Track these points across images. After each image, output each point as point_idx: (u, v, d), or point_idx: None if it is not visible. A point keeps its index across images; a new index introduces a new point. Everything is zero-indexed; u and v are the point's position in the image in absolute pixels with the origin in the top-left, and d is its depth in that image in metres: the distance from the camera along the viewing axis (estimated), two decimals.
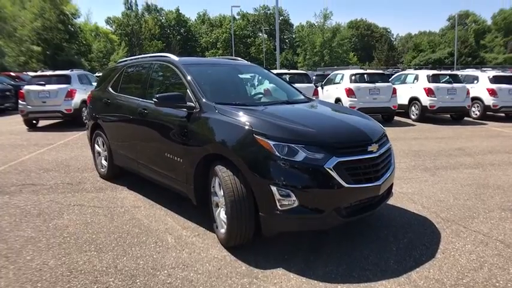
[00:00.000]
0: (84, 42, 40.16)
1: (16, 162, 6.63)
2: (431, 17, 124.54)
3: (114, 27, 51.36)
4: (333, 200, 3.04)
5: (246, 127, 3.16)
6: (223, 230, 3.31)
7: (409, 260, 3.17)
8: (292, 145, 2.99)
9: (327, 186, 2.97)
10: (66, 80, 10.91)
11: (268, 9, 76.91)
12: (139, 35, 50.51)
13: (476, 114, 12.75)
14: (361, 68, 25.74)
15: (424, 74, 12.62)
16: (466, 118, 12.82)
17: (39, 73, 11.33)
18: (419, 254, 3.27)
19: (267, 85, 4.79)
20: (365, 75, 12.35)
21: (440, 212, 4.29)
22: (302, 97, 4.54)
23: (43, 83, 10.50)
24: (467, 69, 17.82)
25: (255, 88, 4.77)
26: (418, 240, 3.56)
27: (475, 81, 12.84)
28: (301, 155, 2.97)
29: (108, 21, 51.98)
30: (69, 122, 11.26)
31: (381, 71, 15.34)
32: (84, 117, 11.23)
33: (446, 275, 2.93)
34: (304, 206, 2.95)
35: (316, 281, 2.83)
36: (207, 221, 3.74)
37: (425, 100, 11.91)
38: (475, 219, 4.07)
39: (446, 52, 57.56)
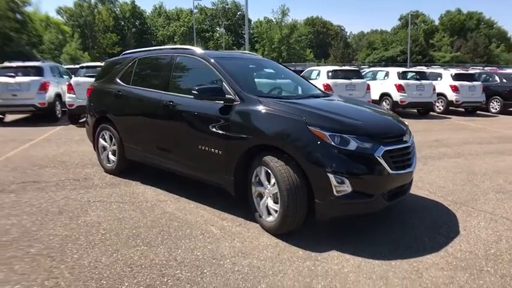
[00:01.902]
0: (35, 32, 37.49)
1: (2, 159, 6.19)
2: (383, 16, 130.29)
3: (65, 17, 48.42)
4: (381, 185, 3.28)
5: (300, 119, 3.28)
6: (271, 218, 3.40)
7: (440, 237, 3.50)
8: (345, 135, 3.17)
9: (376, 172, 3.21)
10: (38, 72, 10.23)
11: (227, 4, 76.48)
12: (92, 27, 48.03)
13: (440, 109, 13.68)
14: (317, 65, 26.40)
15: (394, 71, 13.31)
16: (431, 112, 13.72)
17: (6, 64, 10.51)
18: (446, 232, 3.62)
19: (285, 80, 4.87)
20: (341, 72, 12.78)
21: (446, 196, 4.67)
22: (321, 92, 4.70)
23: (13, 74, 9.78)
24: (432, 67, 18.96)
25: (275, 81, 4.83)
26: (439, 220, 3.91)
27: (439, 78, 13.75)
28: (353, 145, 3.16)
29: (59, 11, 48.97)
30: (39, 116, 10.60)
31: (355, 68, 15.90)
32: (57, 112, 10.64)
33: (475, 247, 3.30)
34: (356, 191, 3.14)
35: (371, 259, 3.03)
36: (243, 211, 3.81)
37: (396, 96, 12.59)
38: (478, 201, 4.50)
39: (398, 50, 60.63)
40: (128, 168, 5.19)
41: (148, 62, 4.98)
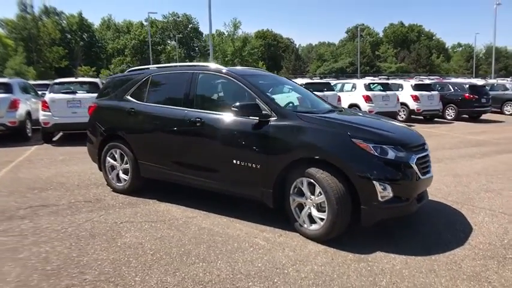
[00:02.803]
0: None
1: None
2: (330, 29, 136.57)
3: (6, 30, 45.32)
4: (415, 189, 3.63)
5: (344, 132, 3.56)
6: (315, 226, 3.59)
7: (458, 232, 3.93)
8: (384, 146, 3.49)
9: (412, 178, 3.55)
10: (7, 88, 9.58)
11: (178, 17, 76.03)
12: (37, 40, 45.41)
13: (403, 118, 14.66)
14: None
15: (361, 83, 14.12)
16: None
17: None
18: (461, 228, 4.05)
19: (298, 94, 5.09)
20: (312, 85, 13.30)
21: (446, 197, 5.13)
22: (332, 105, 5.01)
23: None
24: (394, 78, 20.17)
25: (289, 95, 5.03)
26: (451, 218, 4.35)
27: (400, 89, 14.78)
28: (391, 154, 3.48)
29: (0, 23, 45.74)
30: (6, 136, 9.90)
31: (325, 81, 16.58)
32: (28, 131, 10.03)
33: (491, 239, 3.75)
34: (396, 196, 3.44)
35: (413, 256, 3.35)
36: (276, 222, 3.98)
37: (365, 106, 13.33)
38: (474, 200, 5.01)
39: (347, 62, 63.82)
40: (140, 186, 5.10)
41: (164, 79, 4.97)
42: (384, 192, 3.37)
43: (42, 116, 9.18)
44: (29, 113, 10.07)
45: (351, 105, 13.86)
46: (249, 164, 3.89)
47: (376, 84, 14.23)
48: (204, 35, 77.74)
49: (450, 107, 14.87)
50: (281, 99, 4.88)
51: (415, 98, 13.98)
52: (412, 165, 3.54)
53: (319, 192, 3.51)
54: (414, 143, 3.81)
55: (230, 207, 4.49)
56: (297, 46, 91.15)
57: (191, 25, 77.80)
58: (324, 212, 3.52)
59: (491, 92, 16.13)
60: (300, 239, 3.66)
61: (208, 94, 4.56)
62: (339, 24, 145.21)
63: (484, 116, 15.31)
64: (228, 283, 2.87)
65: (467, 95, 14.54)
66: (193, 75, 4.51)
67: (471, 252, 3.45)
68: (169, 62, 69.90)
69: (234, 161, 3.98)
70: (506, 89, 17.18)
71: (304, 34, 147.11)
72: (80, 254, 3.36)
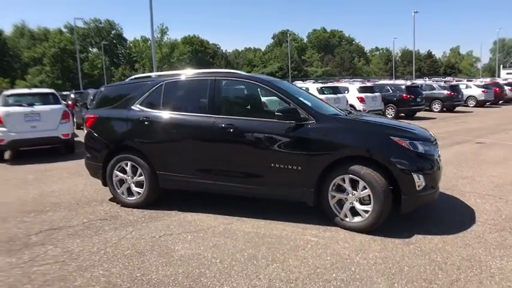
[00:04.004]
0: None
1: None
2: (257, 35, 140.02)
3: None
4: (439, 178, 4.16)
5: (382, 132, 3.98)
6: (358, 219, 3.90)
7: (464, 213, 4.51)
8: (415, 142, 3.93)
9: (437, 169, 4.04)
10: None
11: (100, 22, 72.03)
12: None
13: None
14: None
15: (313, 87, 14.86)
16: None
17: None
18: (464, 210, 4.67)
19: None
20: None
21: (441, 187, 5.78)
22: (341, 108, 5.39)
23: None
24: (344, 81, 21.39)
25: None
26: (450, 202, 4.97)
27: (346, 92, 15.86)
28: (421, 148, 3.93)
29: None
30: None
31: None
32: None
33: (492, 216, 4.41)
34: (428, 185, 3.90)
35: (446, 235, 3.85)
36: (312, 219, 4.22)
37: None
38: (458, 186, 5.75)
39: (276, 67, 66.00)
40: (155, 199, 4.93)
41: (182, 87, 4.88)
42: (419, 182, 3.79)
43: None
44: None
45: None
46: (289, 166, 4.04)
47: (328, 88, 15.10)
48: (128, 42, 74.68)
49: (390, 107, 16.35)
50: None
51: (361, 100, 15.14)
52: (436, 157, 4.03)
53: (364, 187, 3.81)
54: (431, 138, 4.30)
55: (257, 210, 4.59)
56: (223, 51, 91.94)
57: (114, 31, 74.23)
58: (368, 204, 3.83)
59: None
60: (345, 232, 3.92)
61: (237, 100, 4.62)
62: (264, 30, 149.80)
63: (418, 114, 17.07)
64: (315, 277, 3.03)
65: (405, 95, 16.13)
66: (216, 82, 4.53)
67: (485, 228, 4.03)
68: (93, 71, 66.13)
69: (272, 164, 4.11)
70: (433, 89, 19.37)
71: (230, 40, 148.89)
72: (145, 273, 3.22)
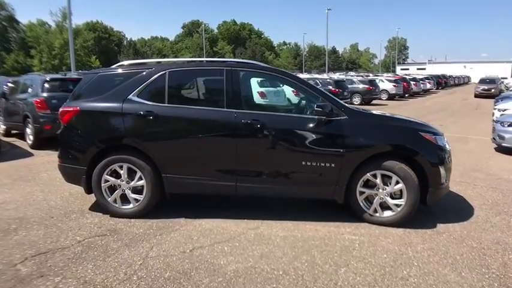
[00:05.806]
0: None
1: None
2: (164, 24, 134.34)
3: None
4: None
5: (412, 127, 4.10)
6: (389, 213, 3.97)
7: (469, 202, 4.86)
8: (436, 136, 4.12)
9: (451, 161, 4.26)
10: None
11: None
12: None
13: None
14: None
15: (254, 81, 14.82)
16: None
17: None
18: (464, 198, 5.02)
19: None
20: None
21: None
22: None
23: None
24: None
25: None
26: (453, 192, 5.23)
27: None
28: (442, 142, 4.15)
29: None
30: None
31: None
32: None
33: (492, 200, 4.92)
34: (447, 177, 4.13)
35: (462, 222, 4.17)
36: (338, 217, 4.20)
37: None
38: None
39: (188, 58, 64.38)
40: (154, 206, 4.33)
41: (189, 76, 4.39)
42: (443, 174, 3.99)
43: None
44: None
45: None
46: (322, 164, 3.90)
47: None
48: (22, 25, 65.14)
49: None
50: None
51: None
52: (449, 150, 4.26)
53: (396, 181, 3.87)
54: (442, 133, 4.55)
55: (271, 211, 4.41)
56: (128, 40, 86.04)
57: (6, 12, 64.04)
58: (400, 199, 3.90)
59: None
60: (377, 227, 3.95)
61: (261, 93, 4.25)
62: (171, 19, 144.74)
63: None
64: (388, 275, 3.03)
65: (333, 89, 17.08)
66: (233, 73, 4.11)
67: (493, 211, 4.48)
68: None
69: (304, 162, 3.93)
70: (353, 83, 20.90)
71: (135, 28, 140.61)
72: None
